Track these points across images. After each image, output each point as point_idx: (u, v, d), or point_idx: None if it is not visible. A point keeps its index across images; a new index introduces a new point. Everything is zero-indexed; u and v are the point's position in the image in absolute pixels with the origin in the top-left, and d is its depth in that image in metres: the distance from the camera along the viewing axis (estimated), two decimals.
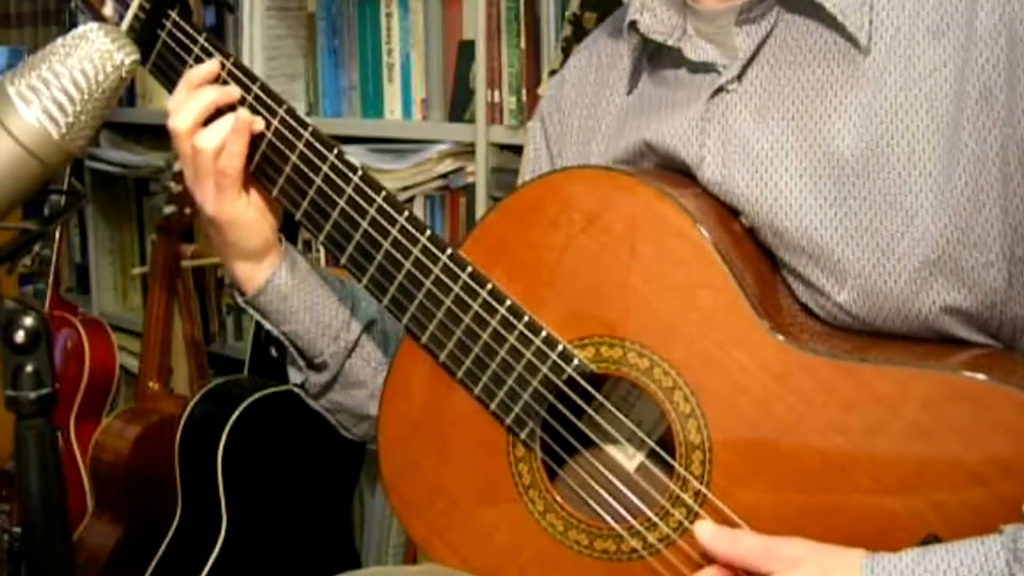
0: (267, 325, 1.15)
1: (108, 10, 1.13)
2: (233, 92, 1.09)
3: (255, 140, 1.09)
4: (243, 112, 1.08)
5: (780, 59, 1.00)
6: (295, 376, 1.19)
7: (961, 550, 0.83)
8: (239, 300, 1.16)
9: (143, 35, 1.10)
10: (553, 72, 1.93)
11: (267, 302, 1.14)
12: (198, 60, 1.11)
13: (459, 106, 2.17)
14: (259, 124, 1.08)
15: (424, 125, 2.24)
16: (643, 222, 0.99)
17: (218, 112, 1.09)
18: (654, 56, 1.09)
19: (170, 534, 2.22)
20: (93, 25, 0.87)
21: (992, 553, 0.82)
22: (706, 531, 0.94)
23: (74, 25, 0.97)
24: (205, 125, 1.08)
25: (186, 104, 1.08)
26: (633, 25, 1.06)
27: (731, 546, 0.92)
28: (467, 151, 2.16)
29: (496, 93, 2.07)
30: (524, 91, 2.03)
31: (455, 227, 2.19)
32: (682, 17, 1.05)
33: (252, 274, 1.13)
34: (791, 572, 0.88)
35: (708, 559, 0.96)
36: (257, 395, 2.14)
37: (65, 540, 0.91)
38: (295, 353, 1.17)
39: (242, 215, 1.10)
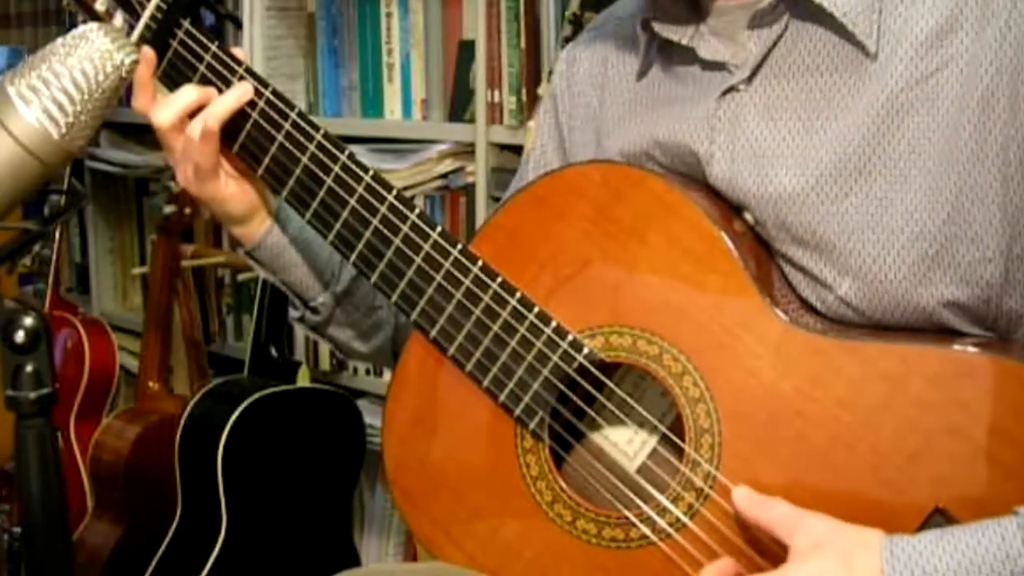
0: (263, 273, 1.22)
1: (117, 21, 1.13)
2: (209, 89, 1.11)
3: (265, 144, 1.11)
4: (218, 107, 1.10)
5: (789, 63, 1.01)
6: (294, 312, 1.26)
7: (978, 531, 0.85)
8: (240, 252, 1.23)
9: (155, 44, 1.11)
10: (552, 73, 1.93)
11: (263, 256, 1.20)
12: (210, 68, 1.12)
13: (459, 106, 2.18)
14: (223, 104, 1.10)
15: (424, 125, 2.24)
16: (652, 213, 1.00)
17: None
18: (665, 48, 1.10)
19: (170, 534, 2.21)
20: (93, 25, 0.87)
21: (1008, 533, 0.84)
22: (742, 494, 0.96)
23: (74, 25, 0.97)
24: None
25: (167, 101, 1.11)
26: (646, 23, 1.07)
27: (761, 509, 0.94)
28: (467, 151, 2.16)
29: (496, 93, 2.07)
30: (524, 91, 2.03)
31: (455, 227, 2.19)
32: (694, 14, 1.06)
33: (245, 232, 1.19)
34: (813, 553, 0.89)
35: (719, 541, 0.97)
36: (257, 395, 2.14)
37: (65, 540, 0.91)
38: (292, 296, 1.24)
39: (222, 191, 1.15)
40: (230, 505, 2.12)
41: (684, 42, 1.06)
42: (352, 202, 1.10)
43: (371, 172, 1.10)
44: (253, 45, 2.38)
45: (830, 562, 0.88)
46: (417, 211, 1.09)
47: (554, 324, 1.04)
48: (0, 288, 2.59)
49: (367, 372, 2.39)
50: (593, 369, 1.04)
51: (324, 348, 2.43)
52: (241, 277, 2.55)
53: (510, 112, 2.06)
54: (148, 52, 1.10)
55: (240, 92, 1.10)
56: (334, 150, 1.10)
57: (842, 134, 0.98)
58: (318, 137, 1.11)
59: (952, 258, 0.94)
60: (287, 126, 1.11)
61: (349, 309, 1.23)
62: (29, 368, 0.86)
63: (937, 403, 0.90)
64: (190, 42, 1.12)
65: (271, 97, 1.11)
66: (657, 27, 1.07)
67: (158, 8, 1.11)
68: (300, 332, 2.45)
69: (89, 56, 0.85)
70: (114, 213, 3.07)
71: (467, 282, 1.07)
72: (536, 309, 1.04)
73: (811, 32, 1.01)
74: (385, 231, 1.09)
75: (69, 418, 2.62)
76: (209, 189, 1.14)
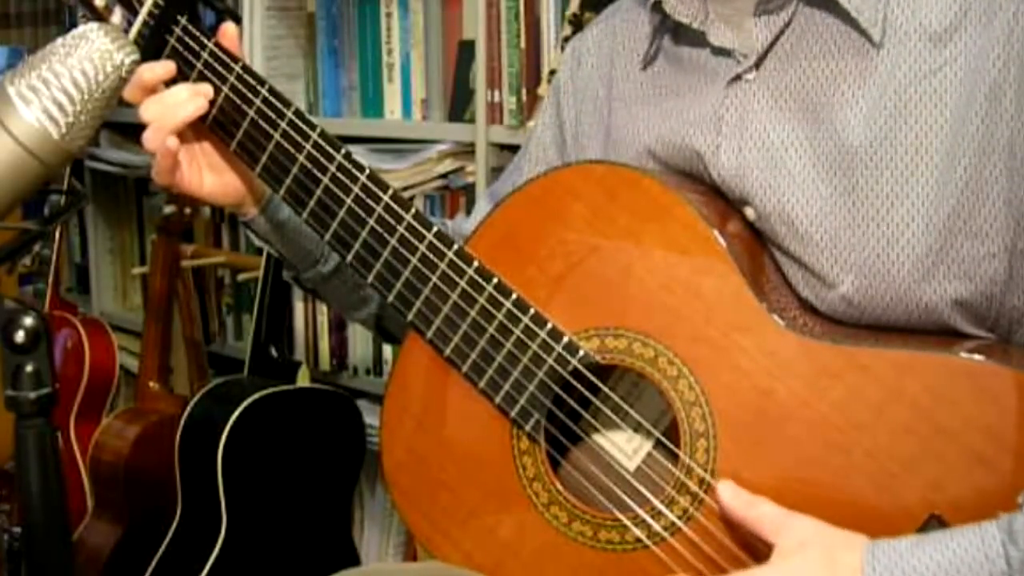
0: (256, 241, 1.25)
1: (116, 18, 1.13)
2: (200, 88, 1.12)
3: (262, 143, 1.11)
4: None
5: (796, 51, 1.02)
6: (287, 273, 1.28)
7: (959, 533, 0.85)
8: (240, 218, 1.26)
9: (152, 41, 1.11)
10: (552, 72, 1.93)
11: (254, 228, 1.23)
12: (206, 65, 1.12)
13: (459, 106, 2.17)
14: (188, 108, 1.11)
15: (424, 125, 2.24)
16: (648, 214, 1.00)
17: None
18: (673, 35, 1.11)
19: (170, 534, 2.21)
20: (93, 25, 0.87)
21: (988, 536, 0.84)
22: (727, 490, 0.96)
23: (74, 25, 0.97)
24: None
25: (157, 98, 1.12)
26: (657, 5, 1.07)
27: (747, 507, 0.94)
28: (467, 151, 2.16)
29: (496, 93, 2.07)
30: (524, 91, 2.03)
31: None
32: (702, 1, 1.06)
33: (240, 211, 1.21)
34: (797, 553, 0.90)
35: (714, 545, 0.97)
36: (257, 395, 2.14)
37: (65, 540, 0.91)
38: (284, 262, 1.26)
39: (191, 187, 1.16)
40: (230, 505, 2.12)
41: (695, 26, 1.06)
42: (348, 201, 1.10)
43: (367, 172, 1.10)
44: (253, 45, 2.38)
45: (813, 560, 0.88)
46: (413, 211, 1.08)
47: (549, 326, 1.04)
48: (0, 288, 2.60)
49: (367, 372, 2.39)
50: (587, 372, 1.03)
51: (324, 348, 2.44)
52: (241, 277, 2.55)
53: (510, 112, 2.06)
54: (171, 65, 1.12)
55: (191, 108, 1.11)
56: (330, 149, 1.10)
57: (849, 126, 0.98)
58: (314, 136, 1.10)
59: (956, 253, 0.94)
60: (283, 125, 1.11)
61: (336, 284, 1.25)
62: (29, 368, 0.86)
63: (933, 409, 0.90)
64: (187, 39, 1.12)
65: (267, 96, 1.11)
66: (668, 9, 1.07)
67: (155, 4, 1.11)
68: (300, 332, 2.46)
69: (89, 56, 0.85)
70: (114, 213, 3.07)
71: (463, 284, 1.06)
72: (532, 311, 1.04)
73: (818, 19, 1.01)
74: (381, 232, 1.09)
75: (69, 418, 2.62)
76: (177, 185, 1.16)
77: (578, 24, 1.90)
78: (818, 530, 0.91)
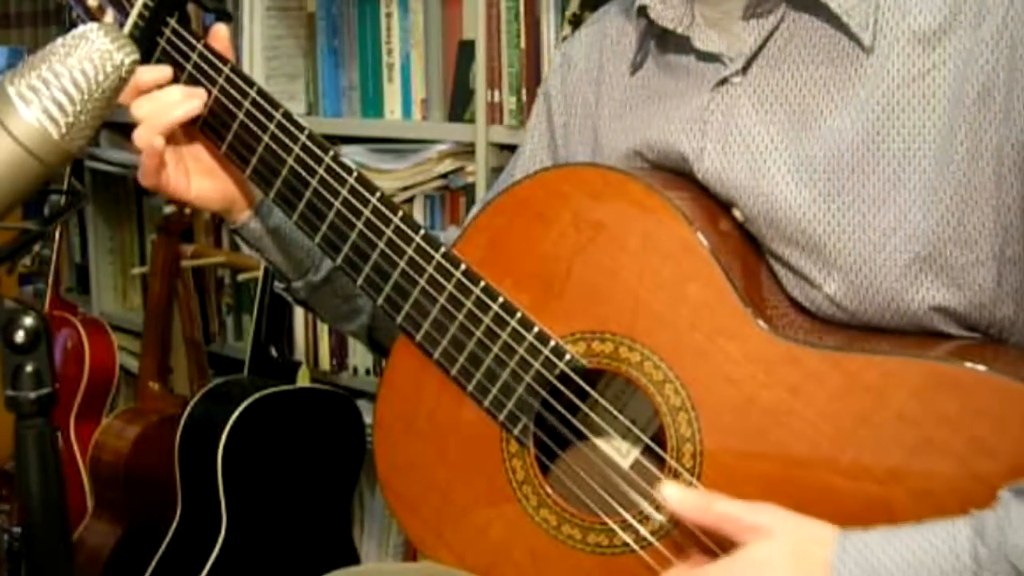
0: (246, 249, 1.25)
1: (108, 18, 1.14)
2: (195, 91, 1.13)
3: (252, 144, 1.11)
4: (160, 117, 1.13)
5: (784, 55, 1.01)
6: (278, 284, 1.28)
7: (929, 529, 0.85)
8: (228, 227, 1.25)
9: (142, 42, 1.11)
10: None
11: (244, 236, 1.23)
12: (196, 67, 1.12)
13: (459, 106, 2.18)
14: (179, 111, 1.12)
15: (424, 125, 2.24)
16: (633, 218, 1.00)
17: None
18: (660, 40, 1.10)
19: (170, 534, 2.22)
20: (93, 25, 0.87)
21: (961, 535, 0.83)
22: (673, 494, 0.93)
23: (74, 25, 0.97)
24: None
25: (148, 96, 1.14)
26: (643, 10, 1.07)
27: (703, 512, 0.92)
28: (467, 151, 2.16)
29: (496, 93, 2.07)
30: (524, 91, 2.03)
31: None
32: (689, 3, 1.05)
33: (229, 217, 1.21)
34: (764, 542, 0.88)
35: (698, 550, 0.96)
36: (257, 395, 2.14)
37: (65, 540, 0.91)
38: (275, 272, 1.26)
39: (178, 191, 1.16)
40: (230, 505, 2.12)
41: (680, 31, 1.05)
42: (337, 204, 1.09)
43: (355, 174, 1.09)
44: (253, 45, 2.38)
45: (780, 553, 0.87)
46: (400, 214, 1.08)
47: (536, 330, 1.03)
48: (0, 288, 2.60)
49: (367, 372, 2.39)
50: (574, 376, 1.03)
51: (324, 348, 2.44)
52: (241, 277, 2.55)
53: (510, 112, 2.06)
54: (168, 70, 1.12)
55: (184, 109, 1.12)
56: (318, 151, 1.10)
57: (837, 131, 0.97)
58: (303, 138, 1.10)
59: (945, 261, 0.93)
60: (272, 127, 1.11)
61: (327, 294, 1.24)
62: (29, 368, 0.86)
63: (919, 417, 0.89)
64: (177, 40, 1.13)
65: (256, 97, 1.11)
66: (653, 15, 1.06)
67: (145, 6, 1.11)
68: (300, 332, 2.46)
69: (89, 56, 0.85)
70: (114, 213, 3.07)
71: (450, 287, 1.06)
72: (519, 314, 1.04)
73: (807, 24, 1.00)
74: (369, 234, 1.09)
75: (69, 418, 2.62)
76: (163, 188, 1.16)
77: (578, 24, 1.90)
78: (782, 518, 0.89)
